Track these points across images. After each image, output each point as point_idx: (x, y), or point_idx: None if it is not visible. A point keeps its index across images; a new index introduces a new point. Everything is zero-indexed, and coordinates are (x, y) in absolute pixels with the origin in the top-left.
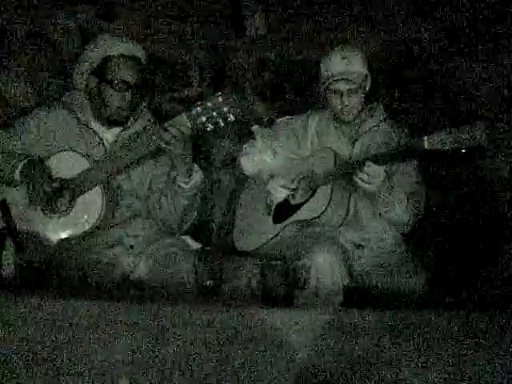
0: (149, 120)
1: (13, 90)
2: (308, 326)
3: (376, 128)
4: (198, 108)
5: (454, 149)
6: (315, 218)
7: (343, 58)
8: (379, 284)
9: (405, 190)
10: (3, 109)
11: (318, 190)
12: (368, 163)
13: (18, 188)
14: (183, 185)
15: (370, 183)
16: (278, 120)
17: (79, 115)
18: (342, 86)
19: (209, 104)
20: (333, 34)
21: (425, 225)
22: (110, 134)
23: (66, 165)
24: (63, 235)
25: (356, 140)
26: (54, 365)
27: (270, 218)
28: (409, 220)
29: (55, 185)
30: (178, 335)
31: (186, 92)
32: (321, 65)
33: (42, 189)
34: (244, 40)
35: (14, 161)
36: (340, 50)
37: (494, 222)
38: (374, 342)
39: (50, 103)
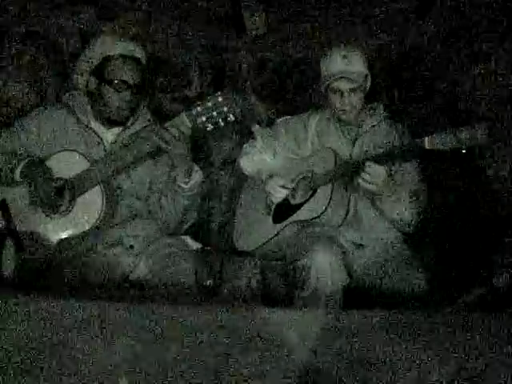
0: (149, 120)
1: (13, 90)
2: (308, 325)
3: (376, 128)
4: (198, 108)
5: (454, 149)
6: (315, 217)
7: (343, 57)
8: (379, 284)
9: (407, 189)
10: (3, 109)
11: (318, 190)
12: (369, 163)
13: (18, 188)
14: (183, 185)
15: (371, 183)
16: (278, 120)
17: (79, 115)
18: (343, 85)
19: (209, 104)
20: (333, 34)
21: (425, 225)
22: (109, 134)
23: (66, 165)
24: (63, 235)
25: (356, 140)
26: (53, 365)
27: (270, 218)
28: (412, 219)
29: (56, 185)
30: (178, 335)
31: (186, 92)
32: (321, 64)
33: (43, 189)
34: (244, 40)
35: (14, 161)
36: (340, 49)
37: (494, 221)
38: (374, 342)
39: (50, 103)
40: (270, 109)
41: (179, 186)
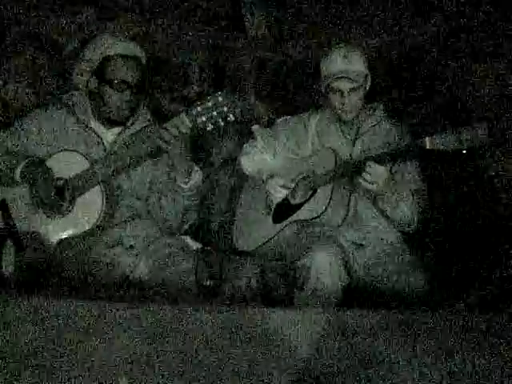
0: (149, 120)
1: (13, 90)
2: (308, 325)
3: (376, 128)
4: (198, 108)
5: (455, 149)
6: (315, 217)
7: (344, 56)
8: (379, 284)
9: (408, 188)
10: (3, 109)
11: (319, 190)
12: (370, 163)
13: (18, 188)
14: (183, 185)
15: (372, 183)
16: (278, 120)
17: (79, 115)
18: (343, 85)
19: (209, 104)
20: (333, 34)
21: (425, 225)
22: (109, 134)
23: (66, 165)
24: (63, 235)
25: (356, 140)
26: (53, 365)
27: (270, 218)
28: (413, 219)
29: (56, 184)
30: (178, 335)
31: (186, 92)
32: (321, 64)
33: (43, 189)
34: (244, 40)
35: (14, 161)
36: (340, 48)
37: (494, 221)
38: (374, 342)
39: (50, 103)
40: (269, 109)
41: (179, 186)
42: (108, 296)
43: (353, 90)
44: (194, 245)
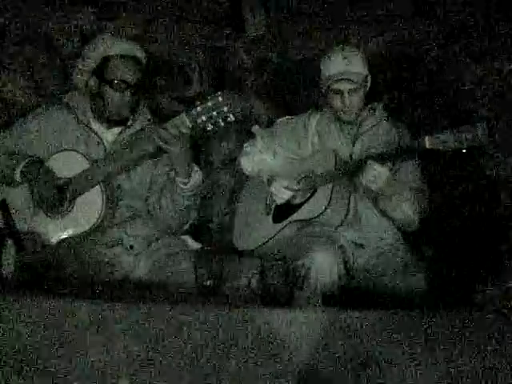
0: (148, 120)
1: (13, 90)
2: (308, 325)
3: (376, 127)
4: (198, 108)
5: (455, 148)
6: (315, 217)
7: (344, 57)
8: (379, 284)
9: (409, 188)
10: (3, 109)
11: (318, 190)
12: (371, 162)
13: (18, 188)
14: (182, 185)
15: (373, 182)
16: (278, 120)
17: (79, 115)
18: (343, 86)
19: (209, 104)
20: (333, 34)
21: (425, 225)
22: (109, 134)
23: (66, 165)
24: (63, 235)
25: (356, 140)
26: (53, 365)
27: (270, 218)
28: (414, 218)
29: (57, 183)
30: (178, 335)
31: (186, 92)
32: (321, 65)
33: (44, 188)
34: (244, 40)
35: (15, 161)
36: (340, 49)
37: (494, 221)
38: (374, 342)
39: (50, 103)
40: (269, 109)
41: (179, 187)
42: (108, 296)
43: (353, 90)
44: (194, 245)
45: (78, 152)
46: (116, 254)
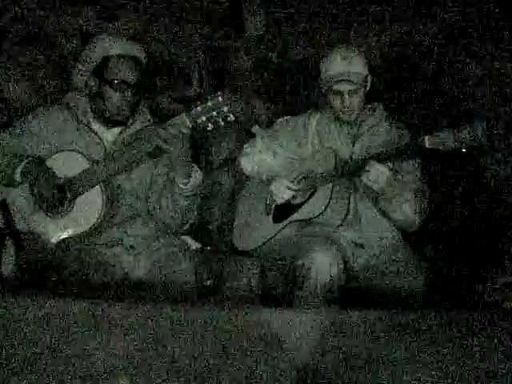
0: (148, 120)
1: (13, 90)
2: (308, 325)
3: (376, 127)
4: (198, 108)
5: (454, 148)
6: (315, 217)
7: (344, 58)
8: (379, 284)
9: (410, 188)
10: (3, 109)
11: (318, 190)
12: (371, 162)
13: (18, 188)
14: (182, 185)
15: (374, 182)
16: (278, 120)
17: (79, 115)
18: (343, 87)
19: (209, 104)
20: (333, 34)
21: (425, 225)
22: (109, 134)
23: (66, 165)
24: (63, 235)
25: (356, 139)
26: (53, 365)
27: (270, 218)
28: (415, 219)
29: (57, 183)
30: (178, 335)
31: (186, 92)
32: (321, 65)
33: (45, 188)
34: (244, 40)
35: (15, 161)
36: (340, 50)
37: (494, 221)
38: (374, 342)
39: (50, 103)
40: (269, 109)
41: (179, 187)
42: (108, 296)
43: (353, 91)
44: (194, 245)
45: (78, 152)
46: (116, 254)
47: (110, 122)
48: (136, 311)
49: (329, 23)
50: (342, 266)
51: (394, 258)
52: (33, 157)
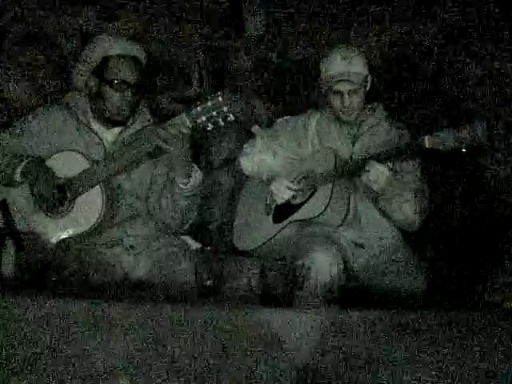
0: (148, 120)
1: (13, 90)
2: (308, 325)
3: (376, 127)
4: (198, 108)
5: (454, 148)
6: (315, 217)
7: (343, 58)
8: (379, 284)
9: (410, 188)
10: (3, 109)
11: (318, 190)
12: (371, 161)
13: (18, 188)
14: (182, 185)
15: (374, 182)
16: (278, 120)
17: (79, 115)
18: (343, 87)
19: (209, 104)
20: (333, 33)
21: (425, 225)
22: (109, 134)
23: (66, 165)
24: (63, 235)
25: (356, 139)
26: (53, 365)
27: (270, 218)
28: (416, 219)
29: (57, 183)
30: (178, 335)
31: (186, 92)
32: (321, 65)
33: (45, 188)
34: (244, 40)
35: (15, 161)
36: (340, 50)
37: (494, 221)
38: (374, 342)
39: (50, 103)
40: (269, 109)
41: (179, 187)
42: (108, 296)
43: (353, 91)
44: (194, 245)
45: (78, 152)
46: (116, 254)
47: (109, 122)
48: (136, 311)
49: (329, 23)
50: (341, 266)
51: (393, 257)
52: (33, 157)
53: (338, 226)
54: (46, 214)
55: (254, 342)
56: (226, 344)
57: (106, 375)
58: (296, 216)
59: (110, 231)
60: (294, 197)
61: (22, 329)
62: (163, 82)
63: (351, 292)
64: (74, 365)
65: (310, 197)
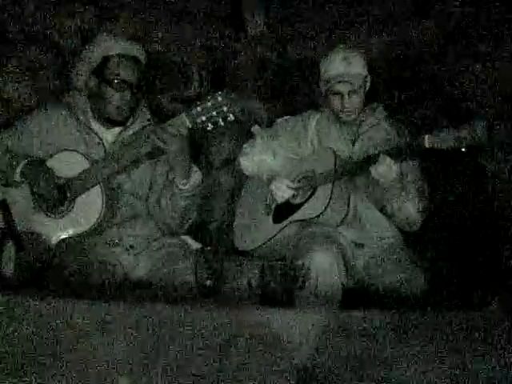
0: (148, 120)
1: (13, 90)
2: (308, 325)
3: (376, 127)
4: (198, 108)
5: (454, 147)
6: (315, 217)
7: (343, 58)
8: (379, 284)
9: (412, 188)
10: (3, 109)
11: (318, 190)
12: (384, 156)
13: (18, 188)
14: (182, 186)
15: (384, 177)
16: (278, 120)
17: (79, 115)
18: (343, 88)
19: (209, 104)
20: (333, 34)
21: (425, 224)
22: (109, 134)
23: (67, 165)
24: (63, 235)
25: (356, 140)
26: (53, 365)
27: (270, 218)
28: (418, 218)
29: (57, 182)
30: (178, 335)
31: (186, 92)
32: (320, 66)
33: (45, 188)
34: (244, 40)
35: (15, 161)
36: (340, 50)
37: (494, 221)
38: (374, 342)
39: (50, 103)
40: (269, 109)
41: (178, 187)
42: (108, 296)
43: (353, 92)
44: (194, 245)
45: (78, 152)
46: (116, 253)
47: (109, 122)
48: (136, 311)
49: (329, 23)
50: (342, 266)
51: (394, 257)
52: (33, 157)
53: (338, 225)
54: (46, 214)
55: (254, 342)
56: (226, 344)
57: (105, 375)
58: (296, 216)
59: (110, 231)
60: (294, 197)
61: (22, 329)
62: (163, 82)
63: (351, 292)
64: (74, 365)
65: (309, 197)
